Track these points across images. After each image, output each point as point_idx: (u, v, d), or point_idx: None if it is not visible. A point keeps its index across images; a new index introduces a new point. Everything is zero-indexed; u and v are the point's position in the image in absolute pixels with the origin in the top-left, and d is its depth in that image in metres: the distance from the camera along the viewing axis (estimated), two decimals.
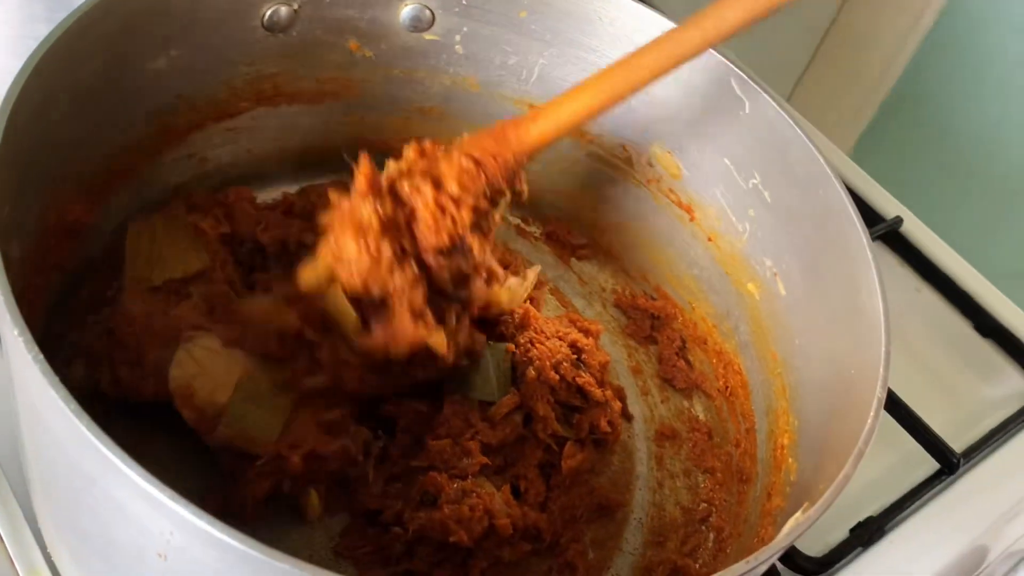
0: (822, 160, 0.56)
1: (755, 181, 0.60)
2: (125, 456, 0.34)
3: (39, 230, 0.50)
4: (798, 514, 0.45)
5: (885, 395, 0.46)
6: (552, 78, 0.66)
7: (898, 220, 0.85)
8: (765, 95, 0.58)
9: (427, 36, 0.65)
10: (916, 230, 0.86)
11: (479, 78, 0.67)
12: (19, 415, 0.43)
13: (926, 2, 1.08)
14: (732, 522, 0.59)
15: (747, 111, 0.59)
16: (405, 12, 0.64)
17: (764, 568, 0.41)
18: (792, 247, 0.58)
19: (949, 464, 0.68)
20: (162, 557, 0.36)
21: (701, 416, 0.66)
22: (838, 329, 0.53)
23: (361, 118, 0.68)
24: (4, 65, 0.47)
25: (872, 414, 0.45)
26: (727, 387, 0.64)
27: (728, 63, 0.59)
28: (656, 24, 0.60)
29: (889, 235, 0.84)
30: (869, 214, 0.83)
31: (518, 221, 0.73)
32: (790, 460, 0.54)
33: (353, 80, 0.66)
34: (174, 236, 0.59)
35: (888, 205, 0.87)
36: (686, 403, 0.67)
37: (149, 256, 0.58)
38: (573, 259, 0.73)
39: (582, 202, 0.71)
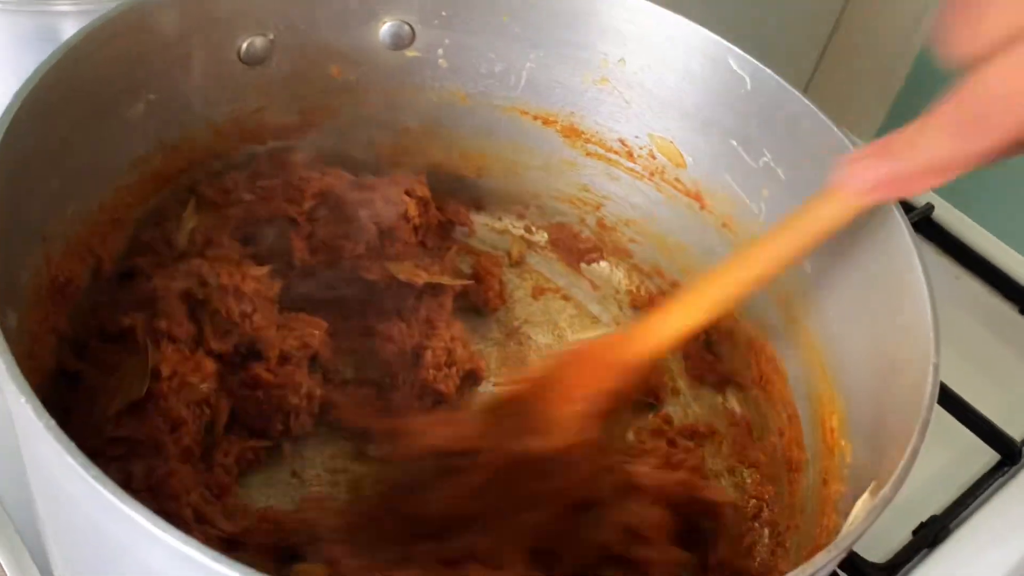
0: (835, 129, 0.54)
1: (766, 159, 0.58)
2: (163, 523, 0.31)
3: (33, 294, 0.47)
4: (866, 496, 0.42)
5: (939, 359, 0.44)
6: (542, 81, 0.64)
7: (929, 207, 0.82)
8: (766, 69, 0.56)
9: (409, 53, 0.63)
10: (948, 215, 0.83)
11: (467, 90, 0.65)
12: (34, 491, 0.41)
13: None
14: (787, 515, 0.56)
15: (749, 88, 0.57)
16: (384, 30, 0.62)
17: (841, 557, 0.39)
18: None
19: (1011, 453, 0.66)
20: None
21: (738, 410, 0.63)
22: (875, 299, 0.51)
23: (349, 143, 0.66)
24: None
25: (930, 380, 0.43)
26: (762, 376, 0.61)
27: (723, 41, 0.57)
28: (644, 12, 0.58)
29: (921, 223, 0.82)
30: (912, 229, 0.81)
31: (522, 232, 0.71)
32: (843, 442, 0.52)
33: (337, 106, 0.63)
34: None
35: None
36: (720, 398, 0.64)
37: None
38: (582, 264, 0.70)
39: (585, 203, 0.69)
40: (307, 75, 0.61)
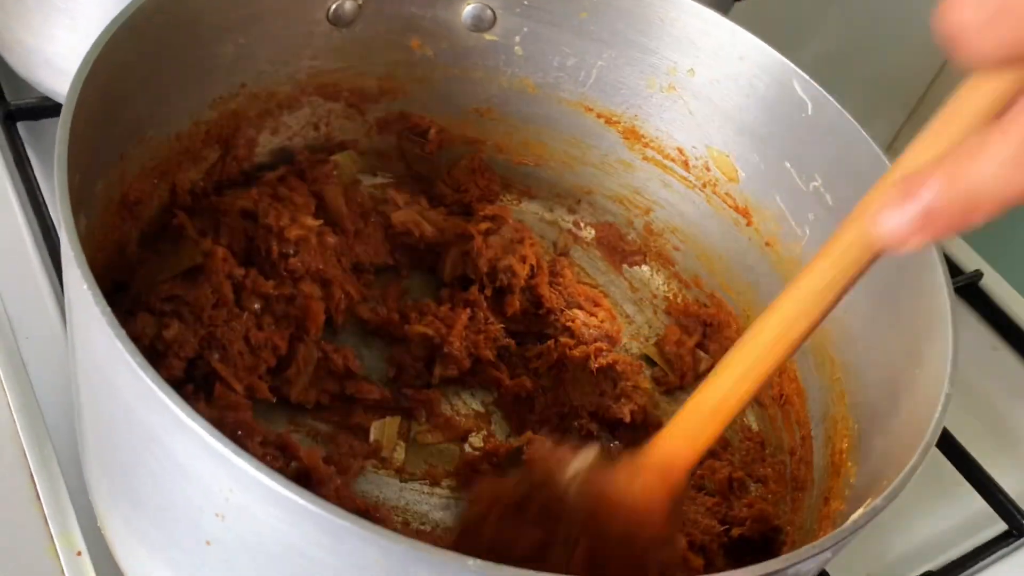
0: (887, 162, 0.55)
1: (816, 184, 0.59)
2: (190, 409, 0.34)
3: (103, 206, 0.50)
4: (859, 511, 0.43)
5: (951, 391, 0.45)
6: (610, 80, 0.66)
7: (977, 274, 0.83)
8: (829, 97, 0.58)
9: (487, 36, 0.65)
10: (996, 285, 0.84)
11: (536, 80, 0.67)
12: (77, 376, 0.43)
13: None
14: (786, 530, 0.57)
15: (810, 113, 0.59)
16: (467, 11, 0.64)
17: (823, 560, 0.40)
18: None
19: (1018, 526, 0.66)
20: (220, 517, 0.36)
21: (754, 426, 0.65)
22: (902, 331, 0.52)
23: (414, 115, 0.68)
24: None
25: (940, 408, 0.44)
26: (782, 395, 0.63)
27: (791, 64, 0.59)
28: (720, 26, 0.60)
29: (967, 289, 0.82)
30: (947, 267, 0.81)
31: (570, 225, 0.73)
32: (849, 464, 0.53)
33: (412, 78, 0.66)
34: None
35: (967, 258, 0.85)
36: None
37: None
38: (624, 265, 0.72)
39: (635, 206, 0.70)
40: (388, 43, 0.64)
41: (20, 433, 0.55)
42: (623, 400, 0.61)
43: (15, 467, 0.54)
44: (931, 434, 0.42)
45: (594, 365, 0.61)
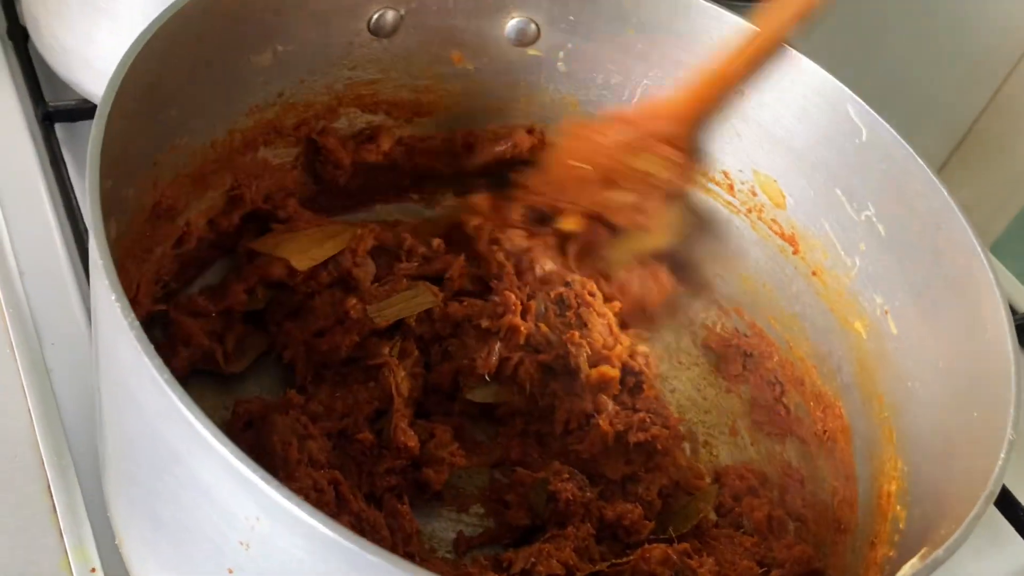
0: (946, 194, 0.53)
1: (868, 213, 0.57)
2: (217, 431, 0.32)
3: (135, 212, 0.49)
4: (915, 560, 0.41)
5: (1014, 437, 0.43)
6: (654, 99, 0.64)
7: None
8: (885, 124, 0.55)
9: (530, 51, 0.64)
10: None
11: (579, 96, 0.65)
12: (100, 387, 0.42)
13: None
14: (828, 574, 0.55)
15: (864, 139, 0.57)
16: (511, 25, 0.63)
17: None
18: (907, 284, 0.55)
19: None
20: (244, 545, 0.34)
21: (794, 462, 0.62)
22: (958, 371, 0.50)
23: (453, 131, 0.67)
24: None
25: (1003, 456, 0.41)
26: (825, 432, 0.60)
27: (845, 89, 0.57)
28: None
29: None
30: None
31: None
32: (898, 508, 0.50)
33: (451, 92, 0.65)
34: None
35: None
36: (778, 447, 0.63)
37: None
38: None
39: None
40: (429, 56, 0.62)
41: (39, 441, 0.53)
42: (656, 473, 0.59)
43: (32, 477, 0.52)
44: (994, 482, 0.40)
45: (632, 439, 0.59)
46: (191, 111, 0.52)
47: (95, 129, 0.41)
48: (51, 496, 0.52)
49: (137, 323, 0.34)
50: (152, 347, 0.34)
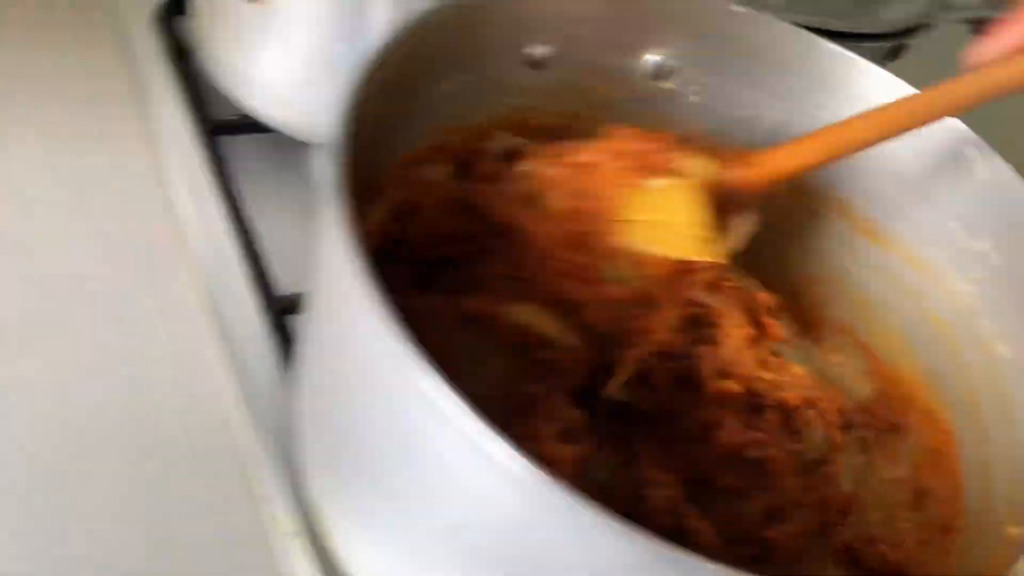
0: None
1: (983, 245, 0.62)
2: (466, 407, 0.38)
3: None
4: None
5: None
6: (781, 134, 0.69)
7: None
8: (1002, 162, 0.61)
9: (665, 85, 0.70)
10: None
11: (708, 128, 0.71)
12: (319, 341, 0.48)
13: None
14: None
15: (980, 175, 0.62)
16: (651, 60, 0.68)
17: None
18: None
19: None
20: (468, 506, 0.40)
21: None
22: None
23: None
24: None
25: None
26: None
27: (962, 126, 0.62)
28: (898, 89, 0.63)
29: None
30: None
31: None
32: None
33: (593, 118, 0.70)
34: None
35: None
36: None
37: None
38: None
39: (786, 254, 0.74)
40: (578, 88, 0.68)
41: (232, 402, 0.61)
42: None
43: (223, 446, 0.59)
44: None
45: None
46: (384, 127, 0.58)
47: (332, 163, 0.47)
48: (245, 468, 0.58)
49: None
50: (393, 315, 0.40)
